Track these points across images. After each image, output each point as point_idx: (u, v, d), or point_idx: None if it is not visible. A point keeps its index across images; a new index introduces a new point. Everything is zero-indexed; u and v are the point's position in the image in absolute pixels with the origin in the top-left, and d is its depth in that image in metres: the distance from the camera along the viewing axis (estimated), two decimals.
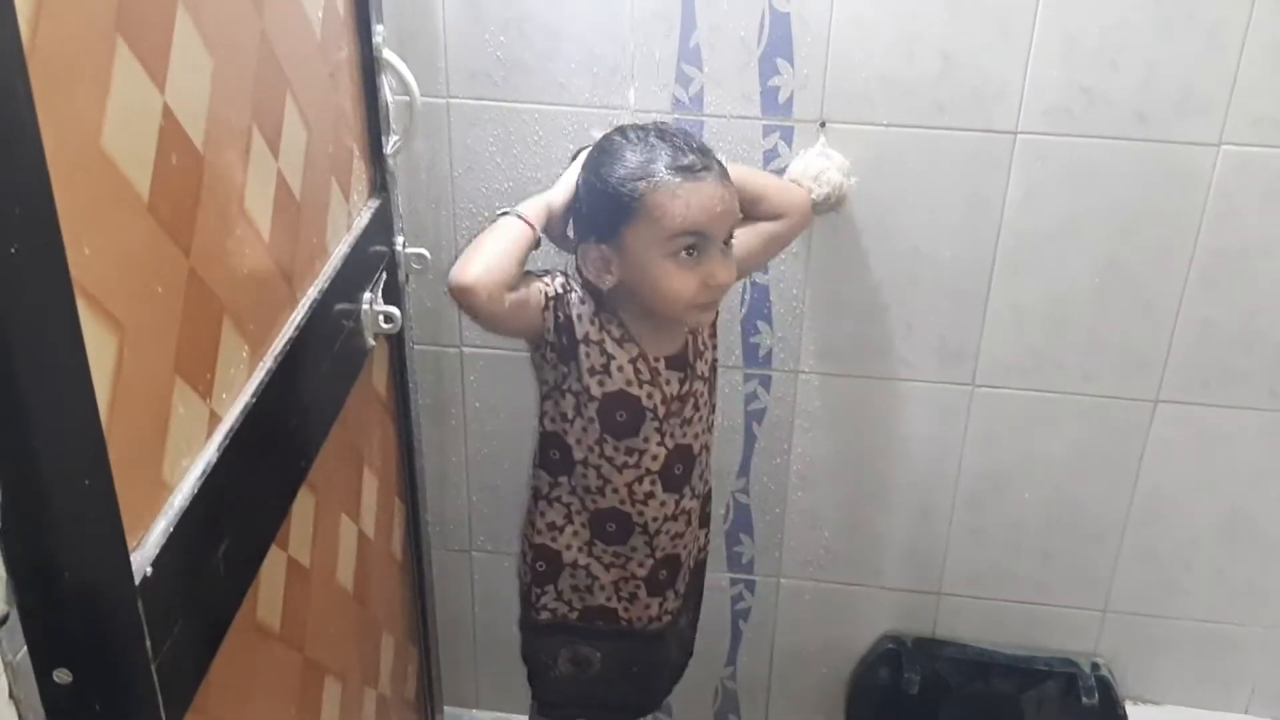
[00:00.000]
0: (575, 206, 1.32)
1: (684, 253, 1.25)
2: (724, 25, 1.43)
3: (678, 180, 1.24)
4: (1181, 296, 1.53)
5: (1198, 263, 1.50)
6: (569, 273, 1.35)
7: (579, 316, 1.32)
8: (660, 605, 1.49)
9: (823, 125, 1.47)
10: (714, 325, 1.44)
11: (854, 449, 1.69)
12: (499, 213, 1.30)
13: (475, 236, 1.29)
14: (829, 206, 1.48)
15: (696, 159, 1.26)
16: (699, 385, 1.40)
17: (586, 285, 1.33)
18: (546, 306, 1.31)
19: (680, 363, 1.37)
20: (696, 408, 1.40)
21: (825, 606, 1.82)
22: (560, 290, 1.32)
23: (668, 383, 1.36)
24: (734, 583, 1.82)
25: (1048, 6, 1.38)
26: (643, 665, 1.54)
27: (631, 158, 1.26)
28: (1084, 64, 1.41)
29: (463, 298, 1.24)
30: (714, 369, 1.44)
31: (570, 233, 1.35)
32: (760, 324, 1.61)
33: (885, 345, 1.61)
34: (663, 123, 1.32)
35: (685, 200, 1.23)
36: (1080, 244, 1.51)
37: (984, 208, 1.50)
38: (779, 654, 1.88)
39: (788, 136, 1.48)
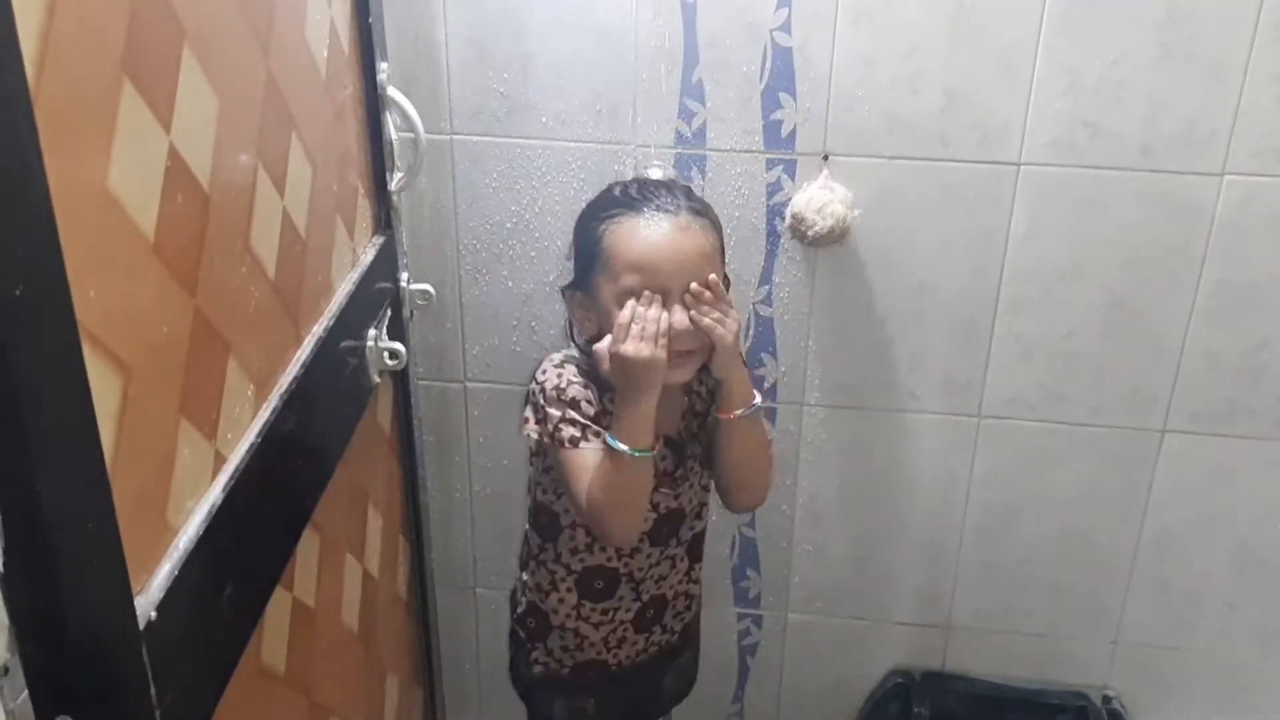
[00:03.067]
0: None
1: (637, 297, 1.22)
2: (726, 61, 1.44)
3: (633, 221, 1.23)
4: (1187, 327, 1.52)
5: (1203, 293, 1.50)
6: (571, 355, 1.34)
7: (580, 400, 1.29)
8: (647, 640, 1.48)
9: (826, 158, 1.47)
10: (707, 404, 1.39)
11: (861, 482, 1.68)
12: (632, 452, 1.23)
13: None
14: (833, 239, 1.48)
15: (666, 200, 1.24)
16: (692, 462, 1.38)
17: (585, 370, 1.31)
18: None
19: (676, 446, 1.36)
20: (686, 478, 1.38)
21: (833, 641, 1.80)
22: (564, 382, 1.29)
23: (662, 459, 1.34)
24: (741, 618, 1.80)
25: (1049, 42, 1.39)
26: (635, 696, 1.53)
27: (606, 202, 1.28)
28: (1087, 97, 1.41)
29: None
30: (705, 423, 1.39)
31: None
32: (765, 357, 1.60)
33: (891, 378, 1.60)
34: (664, 179, 1.33)
35: (636, 245, 1.22)
36: (1085, 276, 1.51)
37: (988, 240, 1.50)
38: (787, 690, 1.86)
39: (790, 170, 1.48)
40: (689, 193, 1.30)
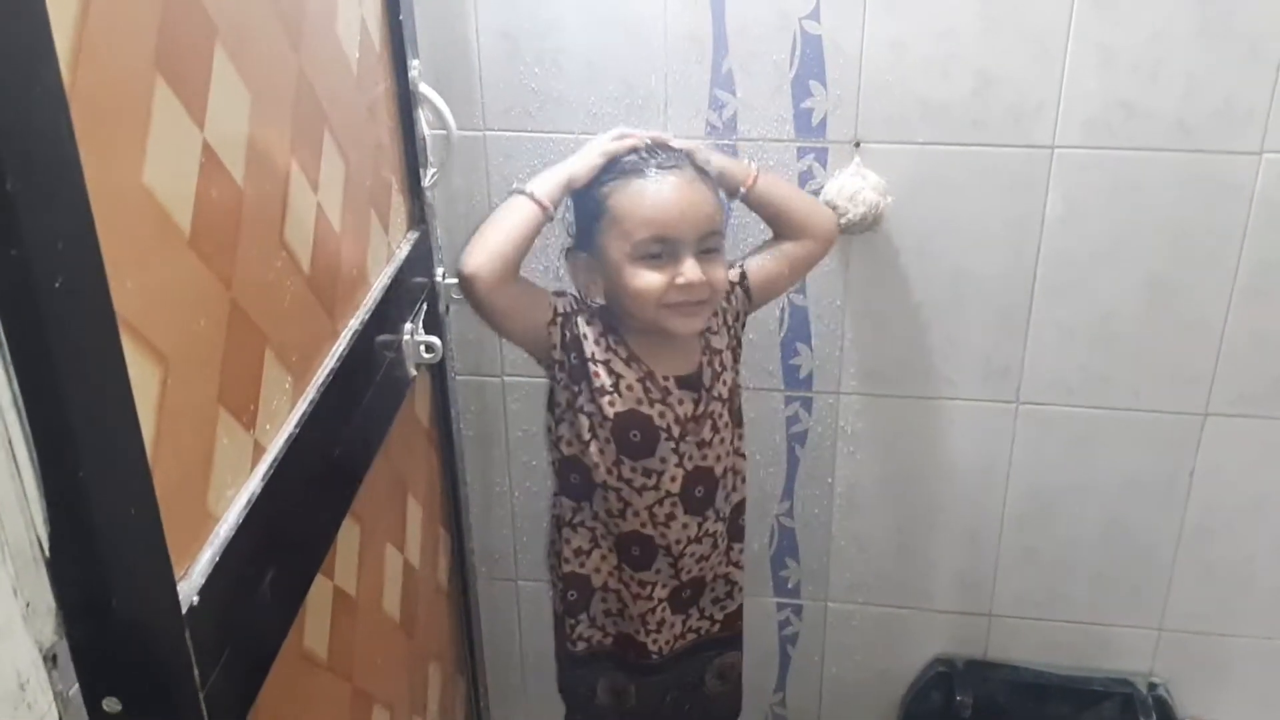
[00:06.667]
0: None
1: (650, 255, 1.26)
2: (756, 50, 1.44)
3: (640, 180, 1.26)
4: (1228, 308, 1.50)
5: (1244, 273, 1.48)
6: (579, 294, 1.37)
7: (586, 336, 1.33)
8: (685, 623, 1.48)
9: (857, 145, 1.47)
10: (736, 349, 1.43)
11: (899, 470, 1.68)
12: (512, 189, 1.31)
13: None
14: (866, 226, 1.47)
15: (667, 158, 1.28)
16: (716, 406, 1.39)
17: (593, 306, 1.35)
18: (553, 321, 1.33)
19: (694, 383, 1.37)
20: (715, 429, 1.39)
21: (874, 630, 1.80)
22: (569, 309, 1.34)
23: (680, 402, 1.35)
24: (781, 608, 1.81)
25: (1082, 21, 1.38)
26: (677, 694, 1.53)
27: (608, 166, 1.30)
28: (1122, 77, 1.40)
29: (464, 288, 1.28)
30: (735, 391, 1.43)
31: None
32: (800, 345, 1.60)
33: (927, 365, 1.60)
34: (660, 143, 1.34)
35: (647, 201, 1.25)
36: (1123, 257, 1.49)
37: (1024, 224, 1.49)
38: (829, 679, 1.86)
39: (822, 158, 1.48)
40: (688, 156, 1.32)
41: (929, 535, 1.72)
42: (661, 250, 1.26)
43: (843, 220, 1.46)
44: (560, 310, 1.34)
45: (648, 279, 1.27)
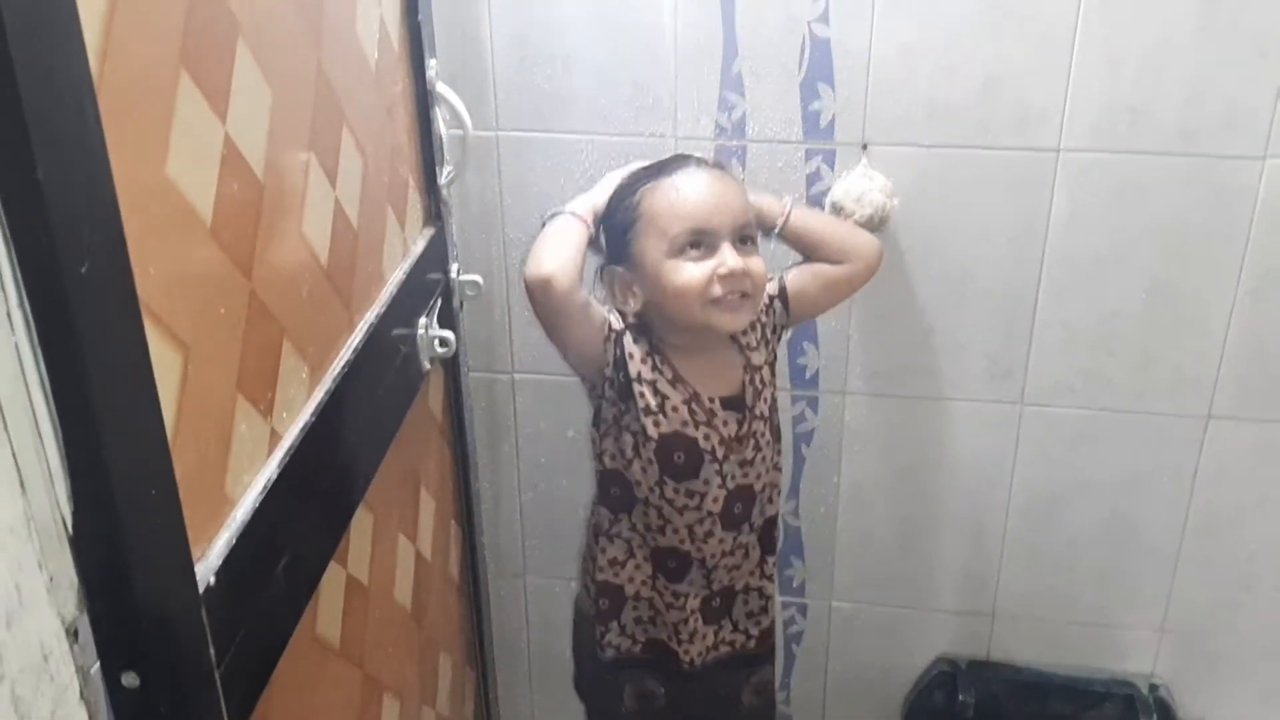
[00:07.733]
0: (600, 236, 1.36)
1: (689, 250, 1.26)
2: (765, 52, 1.46)
3: (670, 179, 1.27)
4: (1231, 311, 1.52)
5: (1247, 276, 1.49)
6: (617, 310, 1.37)
7: (632, 355, 1.33)
8: (716, 634, 1.47)
9: (865, 147, 1.49)
10: (773, 363, 1.43)
11: (904, 470, 1.69)
12: (550, 214, 1.33)
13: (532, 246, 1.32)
14: (873, 228, 1.49)
15: (692, 160, 1.30)
16: (759, 425, 1.38)
17: (633, 321, 1.35)
18: (609, 338, 1.32)
19: (737, 403, 1.36)
20: (758, 448, 1.38)
21: (878, 629, 1.81)
22: (620, 326, 1.34)
23: (725, 424, 1.35)
24: (786, 606, 1.82)
25: (1088, 27, 1.39)
26: (707, 706, 1.52)
27: (634, 175, 1.32)
28: (1126, 82, 1.41)
29: (541, 290, 1.25)
30: (773, 406, 1.43)
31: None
32: (807, 345, 1.62)
33: (933, 365, 1.61)
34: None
35: (680, 196, 1.26)
36: (1127, 261, 1.51)
37: (1029, 226, 1.51)
38: (833, 677, 1.87)
39: (830, 159, 1.50)
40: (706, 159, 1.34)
41: (933, 535, 1.73)
42: (700, 241, 1.26)
43: (850, 221, 1.47)
44: (614, 326, 1.33)
45: (689, 273, 1.25)
